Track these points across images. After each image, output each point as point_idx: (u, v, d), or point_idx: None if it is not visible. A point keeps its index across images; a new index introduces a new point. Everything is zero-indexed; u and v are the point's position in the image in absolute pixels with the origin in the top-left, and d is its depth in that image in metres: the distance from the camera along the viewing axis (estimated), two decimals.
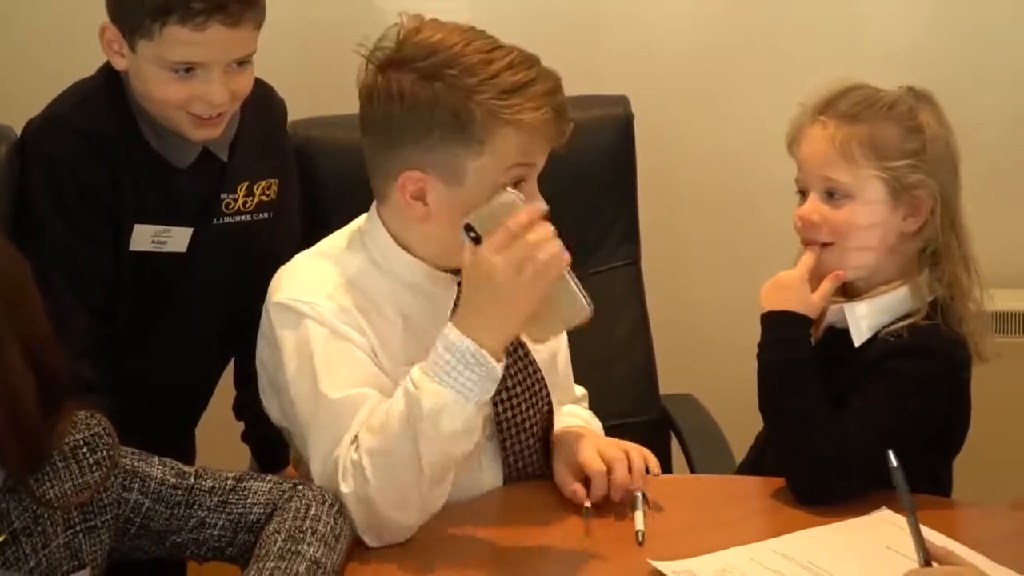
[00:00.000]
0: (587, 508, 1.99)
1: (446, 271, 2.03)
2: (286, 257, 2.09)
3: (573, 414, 2.25)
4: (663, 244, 2.94)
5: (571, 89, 2.00)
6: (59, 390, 1.65)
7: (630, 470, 2.03)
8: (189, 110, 2.18)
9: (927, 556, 1.67)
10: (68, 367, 1.67)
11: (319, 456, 1.94)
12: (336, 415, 1.93)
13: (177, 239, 2.30)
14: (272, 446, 2.32)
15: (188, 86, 2.16)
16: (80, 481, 1.72)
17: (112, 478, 1.75)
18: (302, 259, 2.09)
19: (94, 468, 1.73)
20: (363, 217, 2.09)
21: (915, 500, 1.70)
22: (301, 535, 1.75)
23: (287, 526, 1.77)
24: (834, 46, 3.15)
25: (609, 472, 2.03)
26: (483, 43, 1.95)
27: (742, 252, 3.14)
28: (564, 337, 2.25)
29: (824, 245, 2.08)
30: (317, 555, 1.73)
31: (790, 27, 3.20)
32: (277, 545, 1.73)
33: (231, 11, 2.12)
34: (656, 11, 3.19)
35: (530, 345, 2.13)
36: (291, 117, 2.53)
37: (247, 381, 2.36)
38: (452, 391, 1.84)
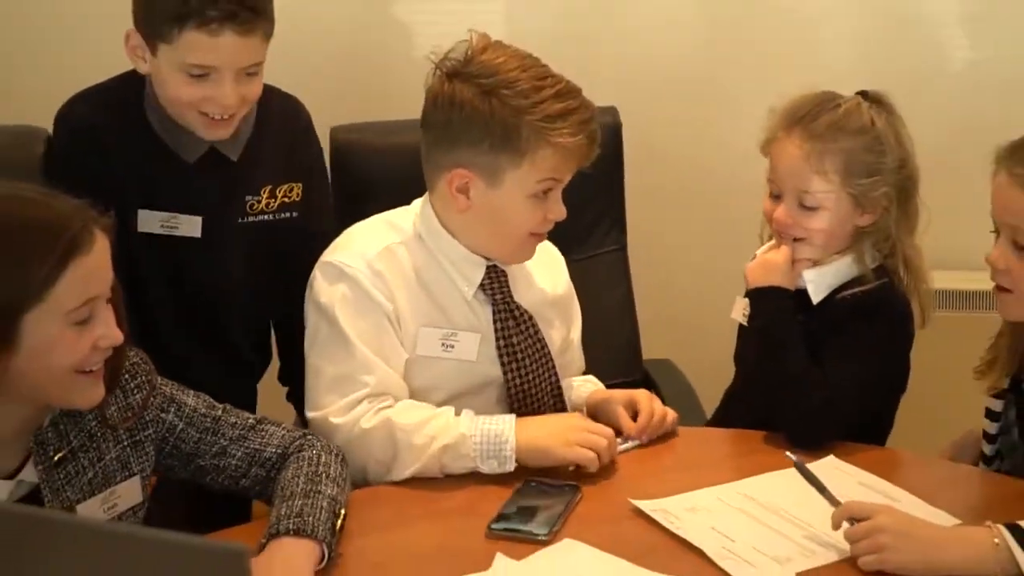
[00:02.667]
0: (623, 441, 2.20)
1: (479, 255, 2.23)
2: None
3: (591, 382, 2.43)
4: (648, 233, 3.06)
5: None
6: None
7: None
8: (201, 110, 2.27)
9: (835, 500, 1.90)
10: None
11: (336, 389, 2.13)
12: (355, 356, 2.14)
13: (187, 226, 2.37)
14: None
15: (201, 88, 2.24)
16: (124, 403, 1.91)
17: (152, 398, 1.94)
18: (358, 227, 2.28)
19: (135, 391, 1.93)
20: (419, 200, 2.27)
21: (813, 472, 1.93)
22: (318, 478, 1.95)
23: (304, 471, 1.96)
24: (802, 64, 3.25)
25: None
26: (537, 71, 2.13)
27: (714, 241, 3.26)
28: (579, 314, 2.43)
29: (795, 239, 2.29)
30: (333, 493, 1.94)
31: (764, 51, 3.30)
32: (300, 486, 1.92)
33: (243, 19, 2.20)
34: (643, 32, 3.31)
35: (547, 322, 2.31)
36: (332, 123, 2.66)
37: (290, 353, 2.56)
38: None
